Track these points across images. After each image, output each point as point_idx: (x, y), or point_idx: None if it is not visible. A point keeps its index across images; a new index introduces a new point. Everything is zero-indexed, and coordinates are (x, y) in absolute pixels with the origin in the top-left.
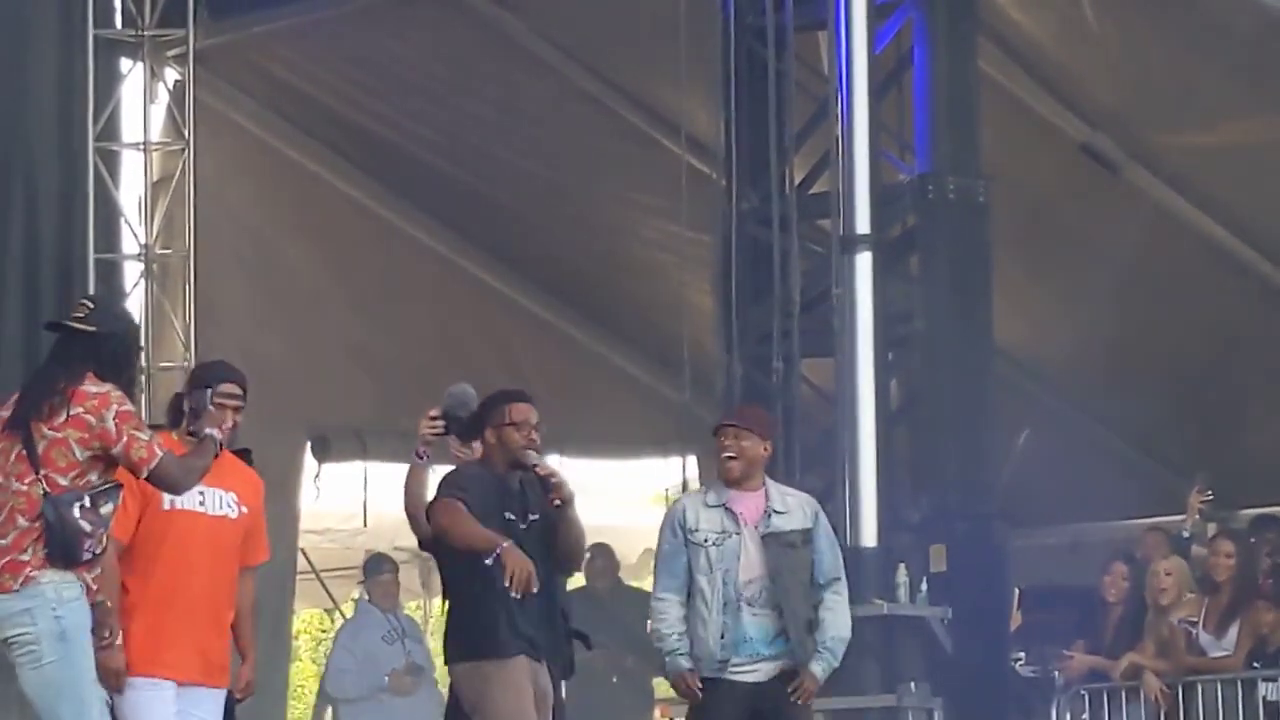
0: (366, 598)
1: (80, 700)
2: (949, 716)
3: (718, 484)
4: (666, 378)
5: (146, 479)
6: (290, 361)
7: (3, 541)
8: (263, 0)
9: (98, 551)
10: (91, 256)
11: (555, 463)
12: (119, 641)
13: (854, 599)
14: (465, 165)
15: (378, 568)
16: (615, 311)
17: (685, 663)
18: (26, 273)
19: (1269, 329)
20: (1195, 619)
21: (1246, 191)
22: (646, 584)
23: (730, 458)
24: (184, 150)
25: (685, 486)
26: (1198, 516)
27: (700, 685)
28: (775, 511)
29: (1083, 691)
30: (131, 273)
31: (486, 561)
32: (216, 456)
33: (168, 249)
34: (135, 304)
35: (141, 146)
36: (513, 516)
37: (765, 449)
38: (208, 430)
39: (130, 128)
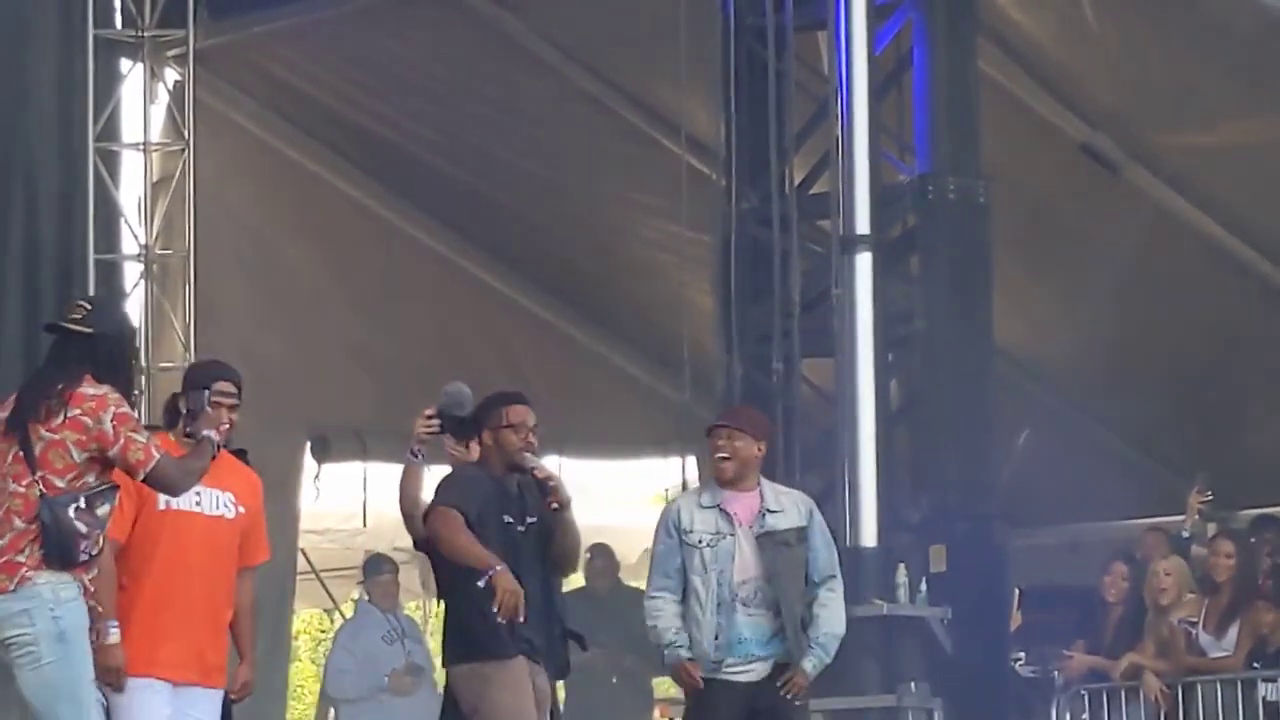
0: (366, 598)
1: (79, 701)
2: (949, 716)
3: (712, 485)
4: (666, 378)
5: (144, 481)
6: (290, 361)
7: None
8: (263, 0)
9: (94, 553)
10: (91, 257)
11: (554, 464)
12: (118, 640)
13: (854, 599)
14: (465, 165)
15: (377, 568)
16: (615, 311)
17: (685, 653)
18: (26, 273)
19: (1269, 329)
20: (1195, 619)
21: (1246, 191)
22: None
23: (724, 458)
24: (184, 150)
25: (685, 487)
26: (1198, 516)
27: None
28: (770, 511)
29: (1083, 691)
30: (131, 273)
31: (479, 584)
32: (214, 457)
33: (168, 249)
34: (135, 304)
35: (141, 147)
36: (511, 519)
37: (759, 449)
38: (205, 432)
39: (130, 128)
